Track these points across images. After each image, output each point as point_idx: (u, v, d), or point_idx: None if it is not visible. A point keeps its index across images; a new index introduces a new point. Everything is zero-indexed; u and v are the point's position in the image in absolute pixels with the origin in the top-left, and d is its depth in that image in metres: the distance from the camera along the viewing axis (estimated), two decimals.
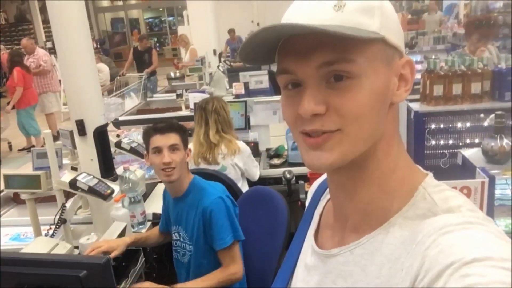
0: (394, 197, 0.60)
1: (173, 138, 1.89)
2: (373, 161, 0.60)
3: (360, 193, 0.62)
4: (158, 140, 1.88)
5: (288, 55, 0.58)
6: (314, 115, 0.56)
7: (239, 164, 2.74)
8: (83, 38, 2.05)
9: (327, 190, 0.75)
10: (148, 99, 6.07)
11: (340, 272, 0.63)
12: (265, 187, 2.21)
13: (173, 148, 1.88)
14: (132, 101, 5.17)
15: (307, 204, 0.82)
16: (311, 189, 0.82)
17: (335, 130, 0.57)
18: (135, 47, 8.80)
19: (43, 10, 14.77)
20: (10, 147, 7.21)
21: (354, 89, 0.55)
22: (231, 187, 2.46)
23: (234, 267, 1.89)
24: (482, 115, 2.15)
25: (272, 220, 2.01)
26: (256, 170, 2.89)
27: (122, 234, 1.99)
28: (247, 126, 3.46)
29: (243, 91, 4.78)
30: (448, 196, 0.58)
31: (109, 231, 1.99)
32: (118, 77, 7.79)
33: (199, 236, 1.93)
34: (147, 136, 1.93)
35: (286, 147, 3.16)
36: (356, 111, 0.55)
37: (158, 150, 1.88)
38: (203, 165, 2.70)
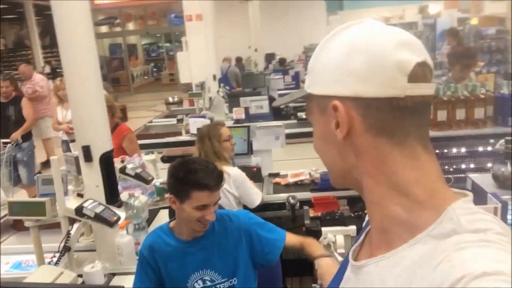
0: (414, 216, 0.61)
1: (218, 193, 1.76)
2: (366, 187, 0.67)
3: (373, 212, 0.68)
4: (207, 198, 1.71)
5: None
6: None
7: (231, 190, 2.68)
8: (91, 64, 2.05)
9: None
10: (147, 124, 5.99)
11: (364, 282, 0.67)
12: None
13: (216, 203, 1.78)
14: None
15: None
16: None
17: None
18: None
19: (42, 35, 14.90)
20: None
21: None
22: None
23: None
24: (491, 140, 2.16)
25: None
26: (256, 197, 2.78)
27: None
28: (250, 151, 3.45)
29: (243, 116, 4.80)
30: (477, 219, 0.58)
31: None
32: None
33: (245, 261, 1.82)
34: (188, 186, 1.69)
35: None
36: (315, 150, 0.73)
37: (204, 208, 1.72)
38: None
